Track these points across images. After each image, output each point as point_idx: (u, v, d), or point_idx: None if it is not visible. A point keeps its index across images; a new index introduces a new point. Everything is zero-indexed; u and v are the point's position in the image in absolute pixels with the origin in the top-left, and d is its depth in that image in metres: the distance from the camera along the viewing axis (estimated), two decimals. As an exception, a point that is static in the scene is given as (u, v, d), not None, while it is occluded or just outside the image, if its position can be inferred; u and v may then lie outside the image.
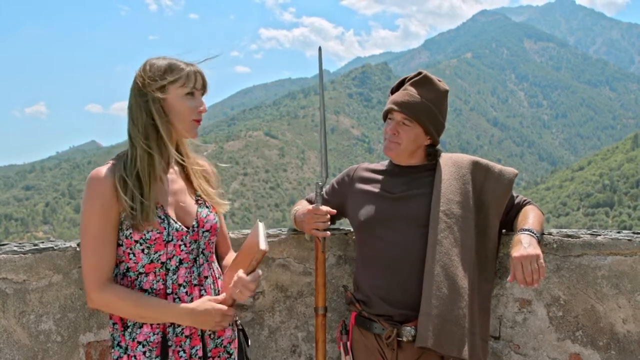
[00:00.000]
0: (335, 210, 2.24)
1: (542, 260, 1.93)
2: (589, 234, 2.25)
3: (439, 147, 2.23)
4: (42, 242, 2.14)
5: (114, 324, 1.78)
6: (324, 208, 2.17)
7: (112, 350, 1.77)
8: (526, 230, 2.04)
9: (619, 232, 2.25)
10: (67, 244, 2.12)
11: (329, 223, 2.20)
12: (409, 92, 2.12)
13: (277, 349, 2.44)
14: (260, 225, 1.83)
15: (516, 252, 1.95)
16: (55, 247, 2.09)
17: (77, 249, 2.11)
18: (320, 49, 2.23)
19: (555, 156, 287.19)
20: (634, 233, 2.22)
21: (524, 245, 1.96)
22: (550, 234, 2.29)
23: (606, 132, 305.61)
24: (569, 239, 2.25)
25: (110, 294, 1.70)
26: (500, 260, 2.31)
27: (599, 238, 2.21)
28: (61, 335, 2.10)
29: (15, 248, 2.07)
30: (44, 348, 2.08)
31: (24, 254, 2.05)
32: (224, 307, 1.78)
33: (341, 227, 2.49)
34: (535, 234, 2.03)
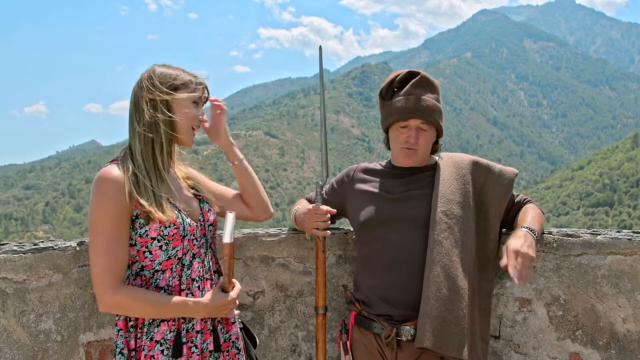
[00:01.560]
0: (335, 210, 2.24)
1: (532, 264, 1.97)
2: (588, 233, 2.25)
3: (440, 140, 2.24)
4: (42, 242, 2.14)
5: (118, 330, 1.78)
6: (324, 207, 2.17)
7: (114, 358, 1.77)
8: (527, 228, 2.05)
9: (618, 232, 2.25)
10: (67, 244, 2.12)
11: (330, 222, 2.20)
12: (417, 97, 2.09)
13: (277, 349, 2.44)
14: (230, 216, 1.83)
15: (513, 243, 1.97)
16: (55, 247, 2.09)
17: (77, 248, 2.11)
18: (320, 48, 2.24)
19: (555, 155, 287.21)
20: (633, 232, 2.22)
21: (523, 243, 1.97)
22: (550, 233, 2.29)
23: (606, 132, 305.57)
24: (569, 238, 2.25)
25: (124, 296, 1.69)
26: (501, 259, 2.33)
27: (598, 237, 2.21)
28: (61, 335, 2.10)
29: (15, 247, 2.07)
30: (43, 348, 2.08)
31: (23, 253, 2.05)
32: (234, 294, 1.82)
33: (341, 227, 2.49)
34: (534, 234, 2.04)
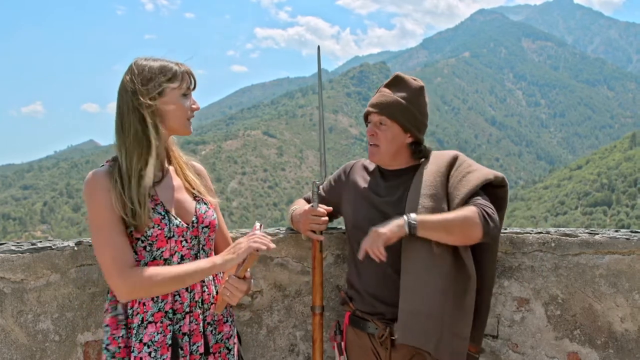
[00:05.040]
0: (331, 208, 2.24)
1: (380, 241, 1.93)
2: (587, 232, 2.25)
3: (426, 145, 2.20)
4: (40, 242, 2.14)
5: (105, 326, 1.77)
6: (321, 209, 2.18)
7: (103, 354, 1.77)
8: (408, 215, 1.98)
9: (616, 231, 2.26)
10: (65, 244, 2.11)
11: (326, 225, 2.20)
12: (382, 93, 2.14)
13: (276, 348, 2.44)
14: (258, 226, 1.85)
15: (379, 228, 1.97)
16: (53, 247, 2.09)
17: (75, 248, 2.10)
18: (319, 48, 2.24)
19: (553, 155, 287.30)
20: (631, 232, 2.22)
21: (386, 223, 1.97)
22: (548, 232, 2.30)
23: (604, 131, 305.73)
24: (567, 237, 2.25)
25: (138, 276, 1.67)
26: (499, 259, 2.31)
27: (596, 237, 2.21)
28: (59, 335, 2.10)
29: (13, 247, 2.06)
30: (41, 347, 2.07)
31: (21, 253, 2.04)
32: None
33: (339, 227, 2.48)
34: (409, 220, 1.95)
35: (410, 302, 1.96)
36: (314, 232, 2.18)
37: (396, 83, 2.16)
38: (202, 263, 1.76)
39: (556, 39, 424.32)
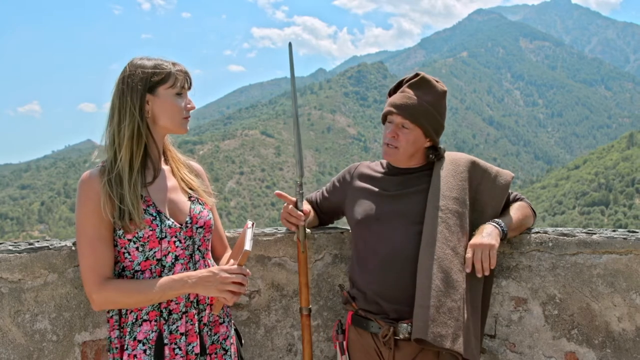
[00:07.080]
0: (309, 211, 2.23)
1: (494, 251, 2.00)
2: (584, 232, 2.26)
3: (441, 146, 2.21)
4: (38, 241, 2.14)
5: (109, 326, 1.79)
6: (299, 211, 2.15)
7: (109, 354, 1.80)
8: (494, 222, 2.10)
9: (614, 231, 2.26)
10: (63, 243, 2.12)
11: (301, 220, 2.16)
12: (407, 94, 2.11)
13: (273, 348, 2.44)
14: (249, 225, 1.84)
15: (473, 239, 2.04)
16: (50, 247, 2.09)
17: (73, 248, 2.11)
18: (290, 44, 2.18)
19: (551, 155, 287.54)
20: (629, 232, 2.23)
21: (482, 234, 2.04)
22: (545, 232, 2.31)
23: (602, 131, 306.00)
24: (565, 237, 2.26)
25: (110, 290, 1.70)
26: (497, 259, 2.26)
27: (594, 237, 2.22)
28: (57, 335, 2.10)
29: (11, 247, 2.07)
30: (39, 347, 2.07)
31: (19, 253, 2.05)
32: (231, 269, 1.73)
33: (337, 226, 2.50)
34: (500, 227, 2.08)
35: (429, 298, 1.94)
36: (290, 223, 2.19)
37: (421, 85, 2.13)
38: (177, 276, 1.73)
39: (554, 38, 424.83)
